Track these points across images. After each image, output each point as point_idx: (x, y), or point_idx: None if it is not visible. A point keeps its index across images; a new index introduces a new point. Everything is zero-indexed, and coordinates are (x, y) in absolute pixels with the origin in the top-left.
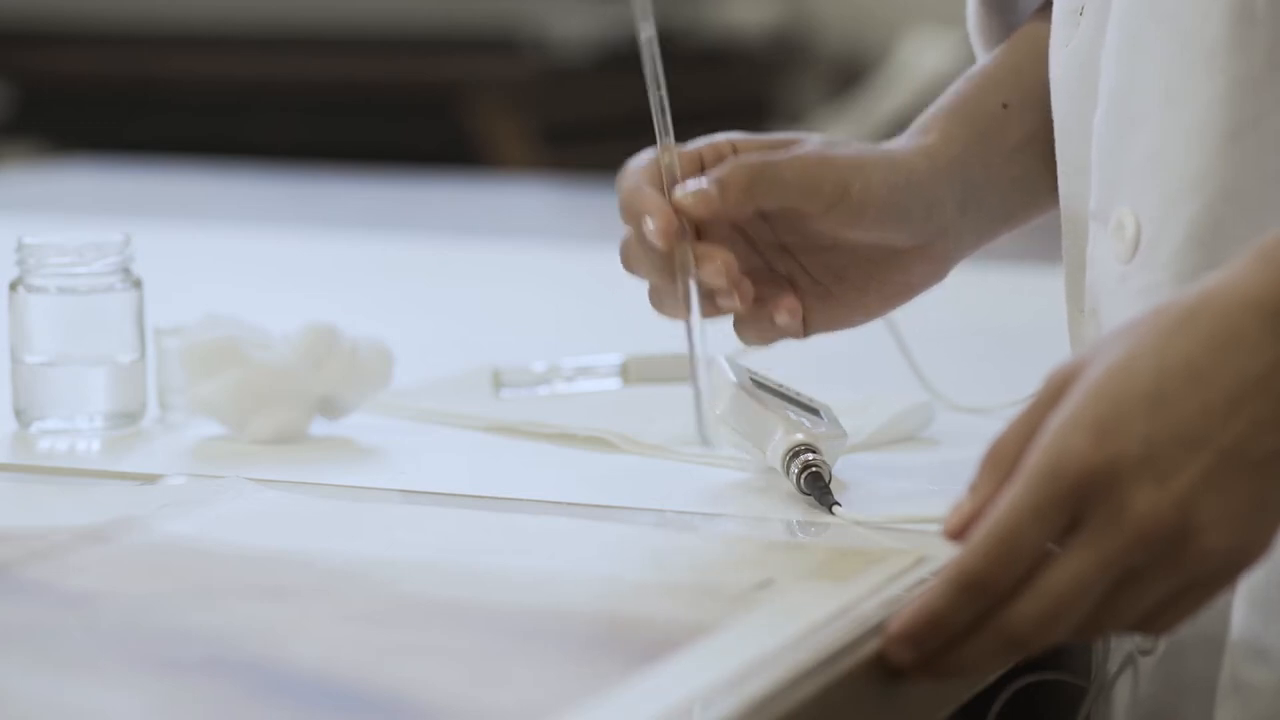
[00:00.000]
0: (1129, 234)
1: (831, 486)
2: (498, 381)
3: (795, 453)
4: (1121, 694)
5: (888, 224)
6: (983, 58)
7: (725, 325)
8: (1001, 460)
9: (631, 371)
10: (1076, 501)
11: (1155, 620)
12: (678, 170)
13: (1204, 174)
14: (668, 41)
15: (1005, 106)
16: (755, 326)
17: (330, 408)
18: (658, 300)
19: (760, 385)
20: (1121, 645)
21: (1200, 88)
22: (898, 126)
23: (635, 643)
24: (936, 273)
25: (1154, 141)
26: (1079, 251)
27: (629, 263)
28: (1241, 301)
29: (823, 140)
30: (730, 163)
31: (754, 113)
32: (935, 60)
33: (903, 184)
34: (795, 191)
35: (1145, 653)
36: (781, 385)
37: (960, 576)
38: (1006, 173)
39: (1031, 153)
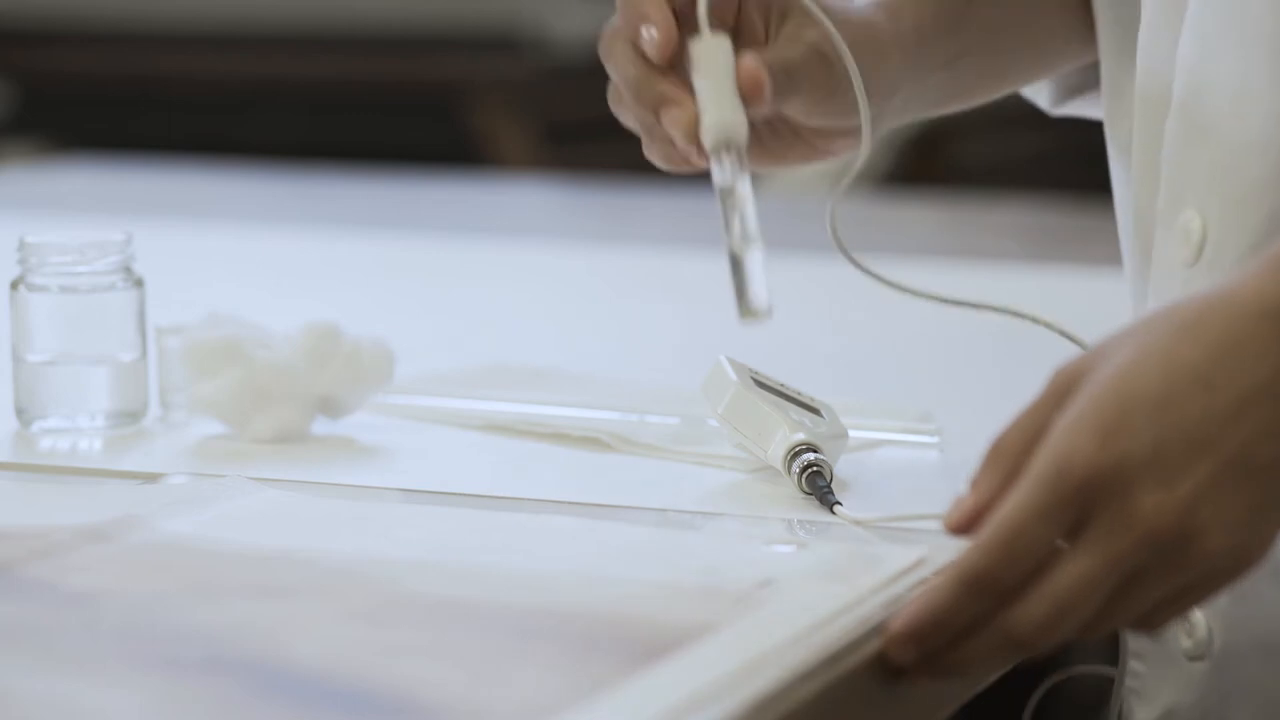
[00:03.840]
0: (1195, 238)
1: (832, 486)
2: None
3: (796, 452)
4: (1162, 695)
5: (849, 115)
6: None
7: None
8: (1004, 457)
9: None
10: (1082, 502)
11: (1153, 618)
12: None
13: (1273, 178)
14: None
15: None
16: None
17: (331, 407)
18: (647, 147)
19: (761, 385)
20: (1165, 647)
21: (1272, 91)
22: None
23: (636, 643)
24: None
25: (1224, 144)
26: (1144, 253)
27: (617, 104)
28: (1250, 307)
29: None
30: (752, 61)
31: None
32: None
33: (872, 72)
34: (804, 101)
35: (1195, 659)
36: (782, 385)
37: (965, 575)
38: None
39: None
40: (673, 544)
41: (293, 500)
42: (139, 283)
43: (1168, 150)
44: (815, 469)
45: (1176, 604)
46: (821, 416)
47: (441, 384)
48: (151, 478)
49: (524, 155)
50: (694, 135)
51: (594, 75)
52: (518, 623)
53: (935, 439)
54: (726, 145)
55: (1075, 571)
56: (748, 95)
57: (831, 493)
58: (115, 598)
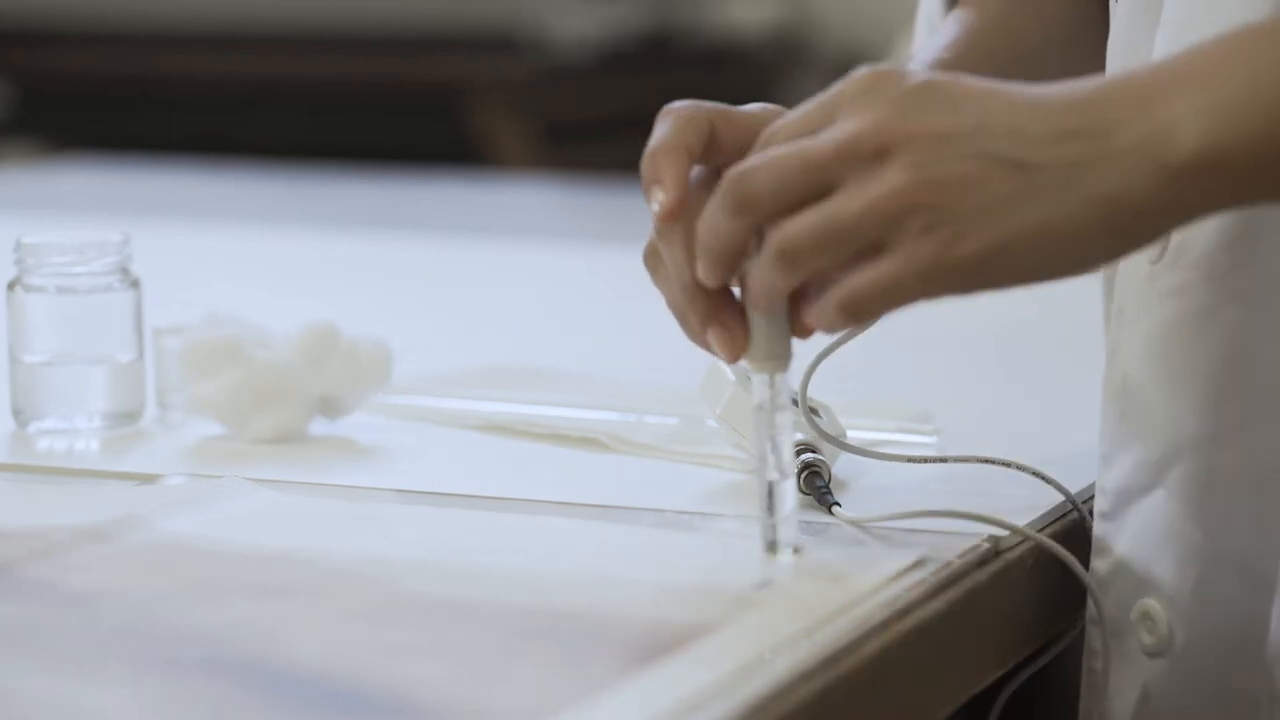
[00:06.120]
0: None
1: (831, 486)
2: None
3: (795, 452)
4: (1122, 691)
5: None
6: (943, 22)
7: None
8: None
9: None
10: (854, 138)
11: (895, 291)
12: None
13: None
14: (668, 41)
15: None
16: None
17: (330, 407)
18: (679, 319)
19: None
20: (1123, 647)
21: None
22: None
23: (635, 643)
24: None
25: None
26: None
27: (651, 268)
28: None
29: None
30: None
31: None
32: None
33: None
34: None
35: (1155, 655)
36: None
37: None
38: None
39: None
40: (672, 544)
41: (292, 500)
42: (136, 283)
43: None
44: (813, 469)
45: (909, 287)
46: (820, 416)
47: (441, 384)
48: (150, 478)
49: (524, 155)
50: (738, 359)
51: (594, 75)
52: (517, 623)
53: (934, 439)
54: (771, 373)
55: (841, 201)
56: (798, 334)
57: (830, 493)
58: (115, 598)
